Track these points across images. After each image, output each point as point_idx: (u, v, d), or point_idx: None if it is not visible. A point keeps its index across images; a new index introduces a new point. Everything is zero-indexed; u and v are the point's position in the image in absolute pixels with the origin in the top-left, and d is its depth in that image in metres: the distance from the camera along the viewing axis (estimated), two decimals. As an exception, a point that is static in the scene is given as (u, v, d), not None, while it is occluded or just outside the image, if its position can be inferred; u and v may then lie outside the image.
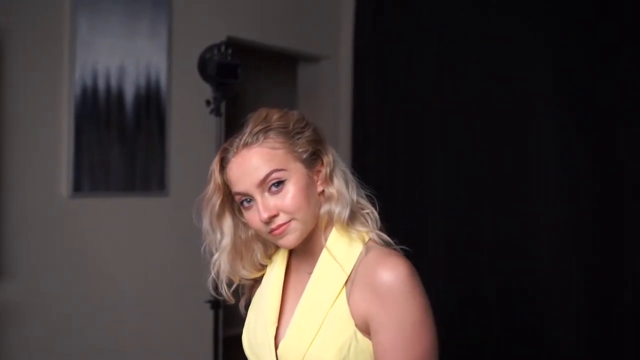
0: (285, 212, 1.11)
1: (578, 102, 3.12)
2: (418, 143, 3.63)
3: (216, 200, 1.17)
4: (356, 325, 1.12)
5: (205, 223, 1.19)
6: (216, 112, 2.76)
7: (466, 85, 3.46)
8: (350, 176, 1.19)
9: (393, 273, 1.09)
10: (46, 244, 2.80)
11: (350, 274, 1.14)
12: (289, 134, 1.14)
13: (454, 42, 3.53)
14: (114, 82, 2.99)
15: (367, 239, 1.17)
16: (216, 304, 2.71)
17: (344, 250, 1.15)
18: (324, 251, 1.16)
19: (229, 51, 2.69)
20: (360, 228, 1.17)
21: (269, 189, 1.12)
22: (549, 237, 3.18)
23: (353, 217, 1.17)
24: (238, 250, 1.22)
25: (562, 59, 3.18)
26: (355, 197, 1.18)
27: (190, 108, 3.23)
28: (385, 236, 1.18)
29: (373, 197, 1.20)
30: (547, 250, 3.18)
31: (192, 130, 3.27)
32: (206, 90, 2.87)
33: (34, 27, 2.76)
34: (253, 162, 1.11)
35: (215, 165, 1.17)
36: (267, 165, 1.11)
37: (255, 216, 1.13)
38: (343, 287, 1.13)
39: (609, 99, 3.03)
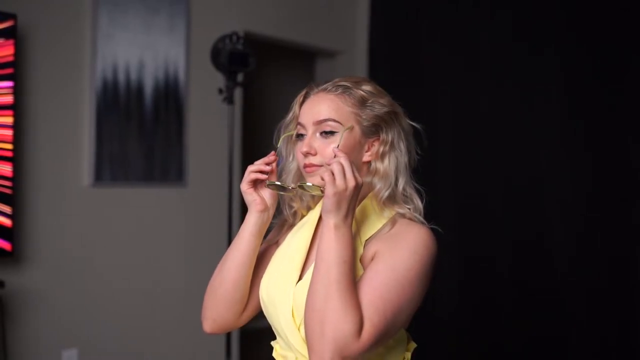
0: (322, 156, 1.24)
1: (590, 83, 3.14)
2: (432, 136, 3.63)
3: (292, 128, 1.33)
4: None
5: (281, 143, 1.35)
6: (228, 100, 2.83)
7: (480, 76, 3.48)
8: (404, 165, 1.29)
9: (416, 231, 1.21)
10: (67, 232, 2.89)
11: (369, 239, 1.23)
12: (363, 102, 1.27)
13: (467, 35, 3.55)
14: (133, 76, 3.08)
15: (394, 213, 1.25)
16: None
17: (369, 220, 1.25)
18: None
19: (241, 40, 2.76)
20: (398, 209, 1.26)
21: (322, 132, 1.25)
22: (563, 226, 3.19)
23: (392, 200, 1.26)
24: (302, 176, 1.32)
25: (571, 48, 3.20)
26: (402, 184, 1.28)
27: (207, 101, 3.30)
28: (420, 217, 1.27)
29: (422, 192, 1.30)
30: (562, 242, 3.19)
31: (209, 123, 3.35)
32: (222, 84, 2.95)
33: (57, 22, 2.85)
34: (322, 104, 1.27)
35: (298, 98, 1.33)
36: (329, 112, 1.26)
37: (300, 147, 1.28)
38: (359, 248, 1.23)
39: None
